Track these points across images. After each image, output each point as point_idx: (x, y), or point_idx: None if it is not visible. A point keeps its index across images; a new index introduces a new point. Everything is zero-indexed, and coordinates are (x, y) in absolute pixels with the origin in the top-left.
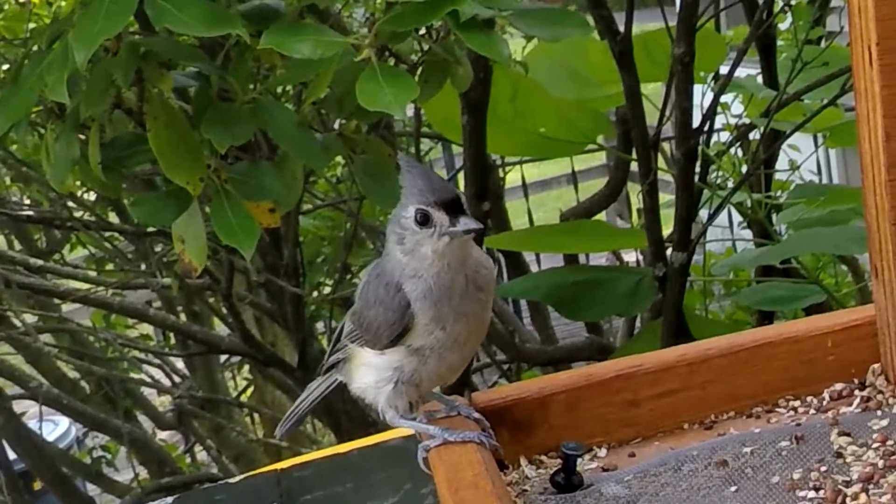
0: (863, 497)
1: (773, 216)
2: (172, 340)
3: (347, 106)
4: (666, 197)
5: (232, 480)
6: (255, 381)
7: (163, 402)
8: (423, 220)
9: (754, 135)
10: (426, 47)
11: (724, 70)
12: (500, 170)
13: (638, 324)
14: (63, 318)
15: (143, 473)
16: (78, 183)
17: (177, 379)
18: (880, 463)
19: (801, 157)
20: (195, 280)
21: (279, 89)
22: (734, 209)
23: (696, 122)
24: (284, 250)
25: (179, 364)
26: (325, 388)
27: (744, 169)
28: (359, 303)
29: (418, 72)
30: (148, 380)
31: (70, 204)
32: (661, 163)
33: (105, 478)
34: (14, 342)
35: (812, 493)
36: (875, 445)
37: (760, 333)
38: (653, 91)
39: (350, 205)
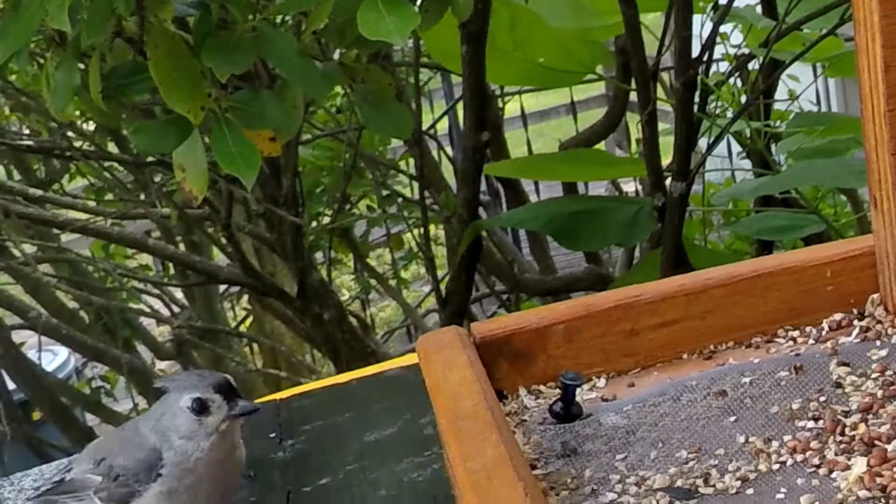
0: (862, 427)
1: (773, 146)
2: (171, 270)
3: (348, 35)
4: (665, 127)
5: None
6: (253, 311)
7: (162, 332)
8: (201, 408)
9: (753, 65)
10: None
11: (723, 0)
12: (500, 100)
13: (637, 254)
14: (62, 248)
15: (142, 403)
16: (77, 112)
17: (176, 309)
18: (879, 393)
19: (800, 88)
20: (194, 210)
21: (279, 19)
22: (733, 139)
23: (695, 52)
24: (284, 180)
25: (178, 294)
26: None
27: (743, 99)
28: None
29: (418, 1)
30: (147, 310)
31: (69, 134)
32: (660, 93)
33: (104, 408)
34: (13, 272)
35: (811, 423)
36: (874, 375)
37: (759, 263)
38: (652, 21)
39: (349, 135)
